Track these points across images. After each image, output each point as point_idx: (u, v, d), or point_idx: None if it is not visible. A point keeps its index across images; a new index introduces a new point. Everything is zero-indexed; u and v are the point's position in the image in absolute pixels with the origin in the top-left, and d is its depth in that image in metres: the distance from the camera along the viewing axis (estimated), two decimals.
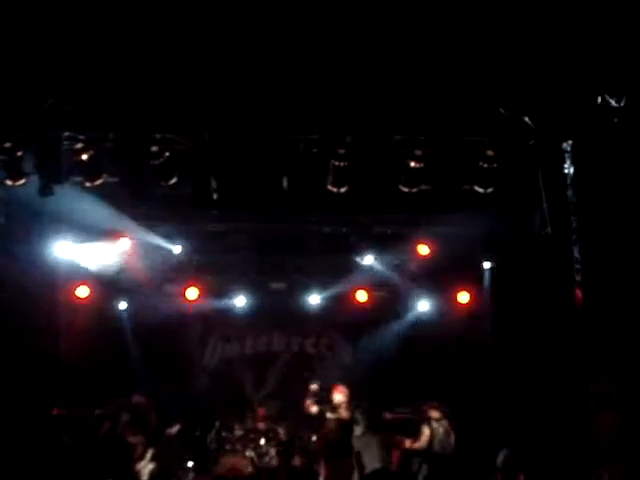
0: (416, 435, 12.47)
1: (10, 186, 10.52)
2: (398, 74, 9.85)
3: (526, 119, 10.15)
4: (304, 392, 12.34)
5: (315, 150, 10.43)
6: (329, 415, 11.92)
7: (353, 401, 12.15)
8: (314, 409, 12.07)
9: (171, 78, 9.96)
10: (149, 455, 12.41)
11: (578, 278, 11.47)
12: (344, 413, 11.81)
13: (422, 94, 10.09)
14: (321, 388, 12.19)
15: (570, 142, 10.44)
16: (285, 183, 10.61)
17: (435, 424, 12.36)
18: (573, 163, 10.61)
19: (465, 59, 9.53)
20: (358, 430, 14.67)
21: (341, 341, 16.99)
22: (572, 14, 8.95)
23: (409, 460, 12.56)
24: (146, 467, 12.25)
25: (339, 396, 11.91)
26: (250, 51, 9.53)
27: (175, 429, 12.61)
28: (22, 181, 10.47)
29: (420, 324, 15.90)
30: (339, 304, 15.57)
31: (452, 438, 12.39)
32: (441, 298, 15.15)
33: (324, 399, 12.04)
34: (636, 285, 10.28)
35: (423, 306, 15.54)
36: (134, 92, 10.11)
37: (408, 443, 12.29)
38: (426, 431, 12.33)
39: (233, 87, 10.09)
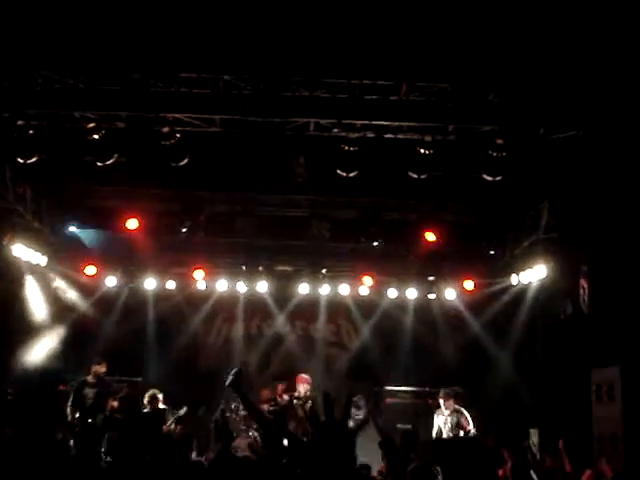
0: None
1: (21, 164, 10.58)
2: (409, 61, 9.82)
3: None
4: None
5: (326, 134, 10.44)
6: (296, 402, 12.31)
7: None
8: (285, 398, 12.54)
9: (184, 59, 9.93)
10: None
11: (585, 268, 11.55)
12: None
13: (434, 81, 10.08)
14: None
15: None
16: (296, 167, 10.64)
17: (447, 413, 12.33)
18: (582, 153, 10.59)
19: (477, 46, 9.49)
20: (360, 415, 14.75)
21: (346, 326, 17.04)
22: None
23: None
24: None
25: (303, 387, 12.40)
26: (264, 29, 9.47)
27: (182, 412, 12.61)
28: (33, 159, 10.52)
29: (425, 311, 15.96)
30: (345, 289, 15.61)
31: (464, 425, 12.20)
32: (447, 285, 15.14)
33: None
34: None
35: (428, 293, 15.54)
36: (146, 72, 10.11)
37: None
38: (436, 422, 12.40)
39: (245, 68, 10.06)
